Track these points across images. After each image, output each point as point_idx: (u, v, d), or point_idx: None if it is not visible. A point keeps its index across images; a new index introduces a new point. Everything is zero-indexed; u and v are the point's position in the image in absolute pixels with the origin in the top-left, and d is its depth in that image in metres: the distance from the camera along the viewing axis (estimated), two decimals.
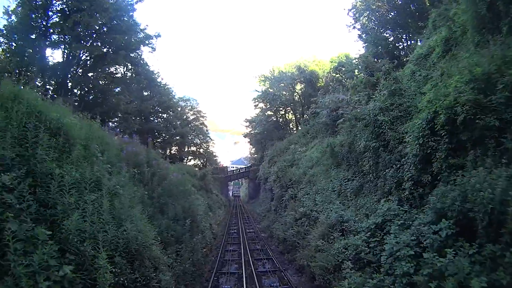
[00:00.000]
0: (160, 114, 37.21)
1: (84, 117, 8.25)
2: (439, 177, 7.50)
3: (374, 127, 11.50)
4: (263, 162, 37.68)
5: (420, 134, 8.12)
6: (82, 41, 22.18)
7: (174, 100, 39.90)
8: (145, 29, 27.02)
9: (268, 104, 46.19)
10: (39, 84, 22.02)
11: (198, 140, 48.90)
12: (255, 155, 57.93)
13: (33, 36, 21.08)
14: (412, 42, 28.32)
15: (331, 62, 45.17)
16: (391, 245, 6.98)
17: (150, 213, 8.50)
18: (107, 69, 26.90)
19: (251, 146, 62.01)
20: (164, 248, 7.90)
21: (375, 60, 25.50)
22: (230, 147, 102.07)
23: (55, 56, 24.60)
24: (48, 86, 21.98)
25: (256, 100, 48.42)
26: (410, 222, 7.35)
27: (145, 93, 35.01)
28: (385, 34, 31.06)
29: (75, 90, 25.23)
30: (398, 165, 9.53)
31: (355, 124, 14.24)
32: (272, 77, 45.81)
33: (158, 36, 28.87)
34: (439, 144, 7.49)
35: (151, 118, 35.89)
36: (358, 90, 22.57)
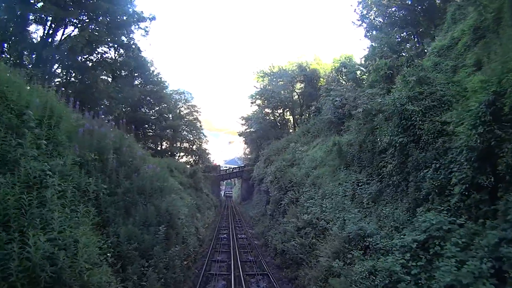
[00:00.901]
0: (152, 105, 34.56)
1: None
2: (507, 178, 5.36)
3: (401, 119, 9.34)
4: (258, 162, 35.51)
5: (479, 121, 5.96)
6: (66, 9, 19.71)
7: (167, 91, 37.31)
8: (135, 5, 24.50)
9: (265, 101, 43.92)
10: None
11: (191, 136, 46.41)
12: (250, 155, 55.65)
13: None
14: (424, 40, 26.50)
15: (333, 62, 43.36)
16: (451, 274, 4.77)
17: (109, 215, 6.14)
18: (95, 50, 24.33)
19: (246, 145, 59.72)
20: (122, 268, 5.52)
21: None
22: (224, 147, 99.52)
23: (39, 33, 21.50)
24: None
25: (254, 97, 46.13)
26: (476, 241, 5.16)
27: (136, 82, 32.51)
28: (393, 32, 29.26)
29: (59, 71, 22.70)
30: (438, 165, 7.33)
31: (372, 118, 12.07)
32: (271, 73, 43.57)
33: (153, 19, 26.46)
34: (508, 133, 5.40)
35: (142, 109, 33.27)
36: (372, 82, 20.78)
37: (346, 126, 16.95)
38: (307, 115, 42.03)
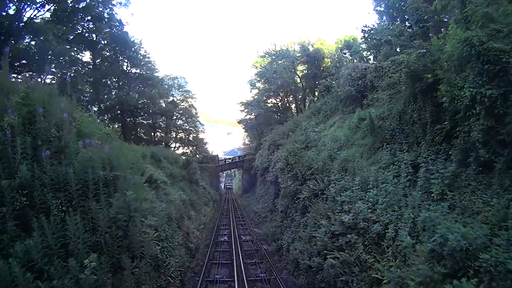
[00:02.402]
0: (140, 90, 30.37)
1: None
2: None
3: (483, 63, 5.70)
4: (261, 150, 31.85)
5: None
6: None
7: (157, 75, 33.08)
8: None
9: (266, 84, 39.83)
10: None
11: (186, 125, 42.49)
12: (251, 144, 51.94)
13: None
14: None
15: (337, 44, 39.36)
16: None
17: None
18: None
19: (246, 133, 55.91)
20: None
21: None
22: (223, 138, 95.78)
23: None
24: None
25: (253, 81, 41.91)
26: None
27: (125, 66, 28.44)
28: None
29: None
30: None
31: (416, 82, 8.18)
32: (273, 53, 39.38)
33: None
34: None
35: (130, 93, 29.16)
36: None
37: (370, 99, 13.46)
38: (312, 97, 38.30)
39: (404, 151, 8.69)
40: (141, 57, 29.96)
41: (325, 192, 9.82)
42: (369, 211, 7.23)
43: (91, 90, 25.50)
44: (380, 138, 10.15)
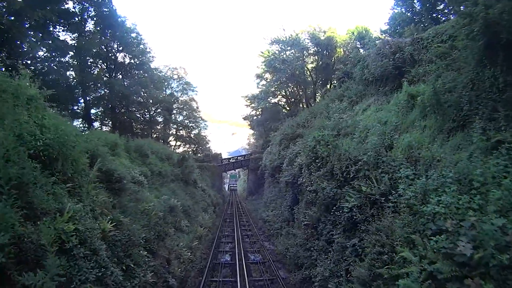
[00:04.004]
0: (130, 73, 26.46)
1: None
2: None
3: None
4: (269, 147, 28.12)
5: None
6: None
7: (151, 63, 29.24)
8: None
9: (275, 74, 35.92)
10: None
11: (187, 121, 38.69)
12: (257, 143, 48.11)
13: None
14: None
15: (347, 34, 35.67)
16: None
17: None
18: None
19: (252, 132, 52.08)
20: None
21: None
22: (227, 138, 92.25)
23: None
24: None
25: (262, 69, 37.82)
26: None
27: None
28: None
29: None
30: None
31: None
32: (283, 40, 35.55)
33: None
34: None
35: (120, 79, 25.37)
36: None
37: (414, 74, 10.62)
38: (323, 91, 34.59)
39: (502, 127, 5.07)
40: (134, 42, 26.23)
41: (390, 197, 5.88)
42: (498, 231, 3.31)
43: (76, 79, 21.82)
44: (452, 116, 6.48)
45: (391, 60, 12.93)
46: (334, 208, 7.36)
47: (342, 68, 25.81)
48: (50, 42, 17.78)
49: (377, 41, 19.05)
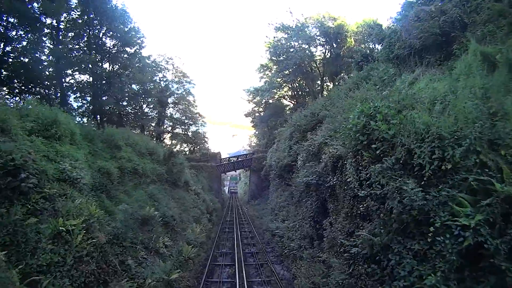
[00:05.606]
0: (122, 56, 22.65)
1: None
2: None
3: None
4: (274, 145, 24.66)
5: None
6: None
7: (143, 48, 25.50)
8: None
9: (280, 64, 32.26)
10: None
11: (184, 117, 34.95)
12: (259, 142, 44.42)
13: None
14: None
15: (356, 25, 32.45)
16: None
17: None
18: None
19: (254, 132, 48.40)
20: None
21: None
22: (228, 140, 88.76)
23: None
24: None
25: (266, 58, 34.02)
26: None
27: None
28: None
29: None
30: None
31: None
32: (291, 25, 32.05)
33: None
34: None
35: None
36: None
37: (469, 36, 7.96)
38: (331, 85, 31.35)
39: None
40: (118, 15, 22.40)
41: None
42: None
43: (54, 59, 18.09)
44: None
45: (437, 24, 9.99)
46: (428, 227, 3.62)
47: (362, 50, 22.44)
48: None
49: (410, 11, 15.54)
